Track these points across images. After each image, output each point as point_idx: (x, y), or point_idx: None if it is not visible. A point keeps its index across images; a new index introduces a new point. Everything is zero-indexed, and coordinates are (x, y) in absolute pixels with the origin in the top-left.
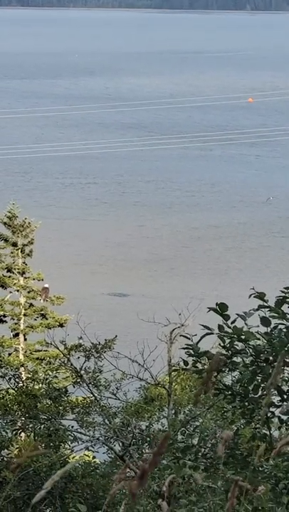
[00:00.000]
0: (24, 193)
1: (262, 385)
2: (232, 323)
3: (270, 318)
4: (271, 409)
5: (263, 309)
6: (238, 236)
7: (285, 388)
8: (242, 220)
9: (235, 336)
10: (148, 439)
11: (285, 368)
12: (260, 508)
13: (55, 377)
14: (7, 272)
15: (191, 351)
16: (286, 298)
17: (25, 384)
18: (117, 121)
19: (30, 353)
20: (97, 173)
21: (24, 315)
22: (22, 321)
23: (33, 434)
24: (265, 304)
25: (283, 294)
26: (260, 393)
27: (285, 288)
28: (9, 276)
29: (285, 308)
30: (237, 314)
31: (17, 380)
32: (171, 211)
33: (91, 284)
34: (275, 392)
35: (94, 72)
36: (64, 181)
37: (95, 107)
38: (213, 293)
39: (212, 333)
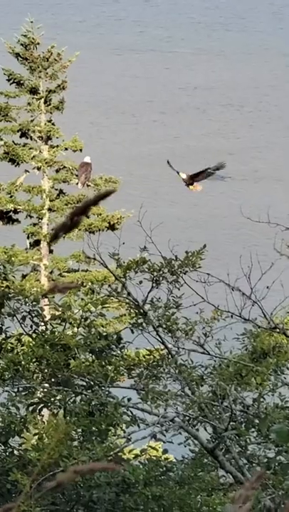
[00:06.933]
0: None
1: None
2: None
3: None
4: None
5: None
6: None
7: None
8: None
9: None
10: (256, 420)
11: None
12: None
13: (102, 315)
14: (21, 137)
15: None
16: None
17: (50, 327)
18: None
19: (60, 274)
20: None
21: (49, 209)
22: (46, 220)
23: (63, 411)
24: None
25: None
26: None
27: None
28: (24, 145)
29: None
30: None
31: (36, 319)
32: None
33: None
34: None
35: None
36: None
37: None
38: None
39: None
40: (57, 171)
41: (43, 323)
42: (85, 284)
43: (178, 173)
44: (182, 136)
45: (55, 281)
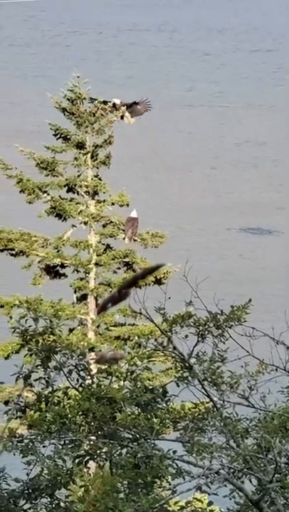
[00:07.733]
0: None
1: None
2: None
3: None
4: None
5: None
6: None
7: None
8: None
9: None
10: None
11: None
12: None
13: (148, 369)
14: (67, 191)
15: None
16: None
17: (96, 380)
18: None
19: (106, 328)
20: None
21: (96, 264)
22: (93, 275)
23: (109, 463)
24: None
25: None
26: None
27: None
28: (71, 200)
29: None
30: None
31: (82, 373)
32: None
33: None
34: None
35: None
36: None
37: None
38: None
39: None
40: (104, 225)
41: (89, 377)
42: (131, 338)
43: (108, 102)
44: (233, 190)
45: (103, 352)
